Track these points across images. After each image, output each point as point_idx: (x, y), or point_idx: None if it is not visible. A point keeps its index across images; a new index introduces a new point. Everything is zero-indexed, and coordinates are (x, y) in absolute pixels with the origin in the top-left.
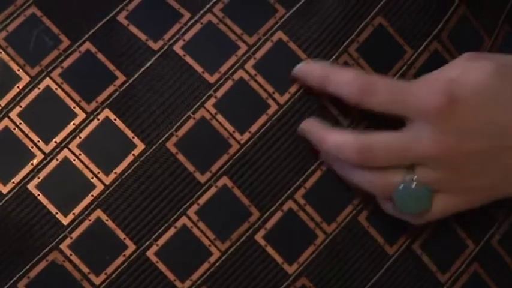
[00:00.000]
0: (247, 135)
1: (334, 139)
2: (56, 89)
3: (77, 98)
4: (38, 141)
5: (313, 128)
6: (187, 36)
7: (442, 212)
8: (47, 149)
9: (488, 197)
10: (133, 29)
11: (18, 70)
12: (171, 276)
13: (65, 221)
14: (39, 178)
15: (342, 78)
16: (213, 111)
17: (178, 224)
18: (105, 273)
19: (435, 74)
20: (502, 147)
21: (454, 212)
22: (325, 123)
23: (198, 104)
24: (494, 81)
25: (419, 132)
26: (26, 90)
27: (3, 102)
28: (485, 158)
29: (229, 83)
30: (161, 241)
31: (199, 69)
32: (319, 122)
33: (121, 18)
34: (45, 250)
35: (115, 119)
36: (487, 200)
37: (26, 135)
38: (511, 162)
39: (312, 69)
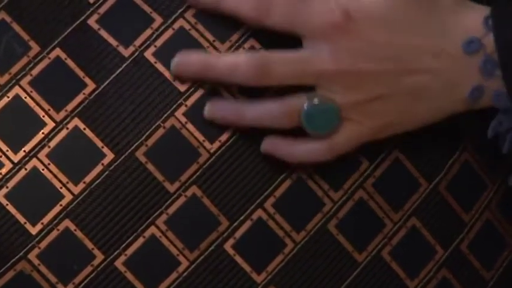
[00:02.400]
0: (217, 144)
1: (227, 60)
2: (25, 97)
3: (46, 106)
4: (7, 151)
5: (200, 55)
6: (159, 43)
7: (348, 139)
8: (16, 158)
9: (393, 125)
10: (104, 33)
11: None
12: (139, 286)
13: (34, 230)
14: (7, 188)
15: None
16: (183, 120)
17: (147, 233)
18: (73, 283)
19: None
20: (400, 70)
21: (361, 140)
22: None
23: (168, 112)
24: (393, 6)
25: (317, 49)
26: None
27: None
28: (384, 81)
29: (200, 92)
30: (129, 251)
31: (170, 76)
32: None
33: (92, 22)
34: (13, 260)
35: (84, 128)
36: (392, 129)
37: None
38: (411, 85)
39: None
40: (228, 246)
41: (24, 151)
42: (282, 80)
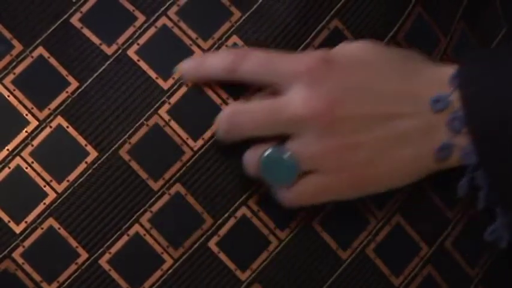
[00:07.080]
0: (200, 142)
1: None
2: (9, 96)
3: (29, 105)
4: None
5: None
6: (142, 41)
7: (313, 193)
8: None
9: (362, 181)
10: (86, 32)
11: None
12: (123, 284)
13: (18, 229)
14: None
15: (217, 56)
16: (167, 117)
17: (131, 231)
18: (58, 282)
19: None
20: (376, 115)
21: (326, 196)
22: None
23: (152, 110)
24: (370, 52)
25: (291, 95)
26: None
27: None
28: (361, 126)
29: (183, 89)
30: (114, 249)
31: (153, 74)
32: None
33: (74, 21)
34: None
35: (67, 127)
36: (361, 186)
37: None
38: (388, 131)
39: (187, 63)
40: (212, 244)
41: (8, 150)
42: (252, 131)
